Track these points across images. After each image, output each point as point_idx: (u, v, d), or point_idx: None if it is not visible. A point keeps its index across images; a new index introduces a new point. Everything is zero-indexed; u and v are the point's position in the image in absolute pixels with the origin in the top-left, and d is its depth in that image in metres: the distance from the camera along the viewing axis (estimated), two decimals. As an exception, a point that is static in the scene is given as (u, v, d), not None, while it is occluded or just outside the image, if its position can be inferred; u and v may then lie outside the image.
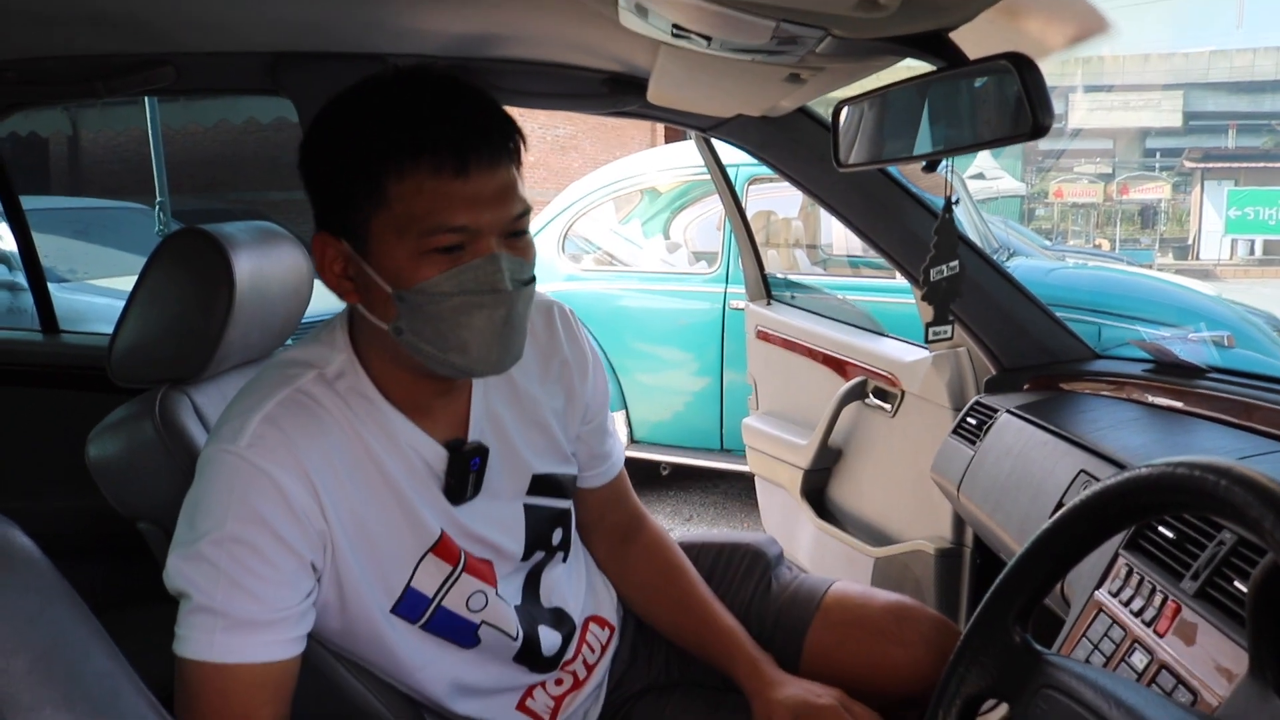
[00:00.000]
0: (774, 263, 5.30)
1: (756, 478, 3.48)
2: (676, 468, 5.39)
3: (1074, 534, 0.91)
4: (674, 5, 1.08)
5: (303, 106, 1.98)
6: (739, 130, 2.09)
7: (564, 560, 1.54)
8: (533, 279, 1.24)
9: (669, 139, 13.41)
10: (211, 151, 14.67)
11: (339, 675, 1.37)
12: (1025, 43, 1.25)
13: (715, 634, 1.58)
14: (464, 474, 1.33)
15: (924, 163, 1.27)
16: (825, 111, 2.09)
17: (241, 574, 1.16)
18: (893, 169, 2.08)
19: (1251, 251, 26.23)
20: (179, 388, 1.55)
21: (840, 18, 1.01)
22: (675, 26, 1.16)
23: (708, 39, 1.17)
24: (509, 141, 1.19)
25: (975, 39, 1.16)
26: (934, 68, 1.18)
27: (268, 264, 1.58)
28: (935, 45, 1.14)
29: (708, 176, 5.52)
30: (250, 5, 1.71)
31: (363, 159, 1.17)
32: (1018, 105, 1.04)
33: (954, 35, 1.16)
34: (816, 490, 3.07)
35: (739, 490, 5.43)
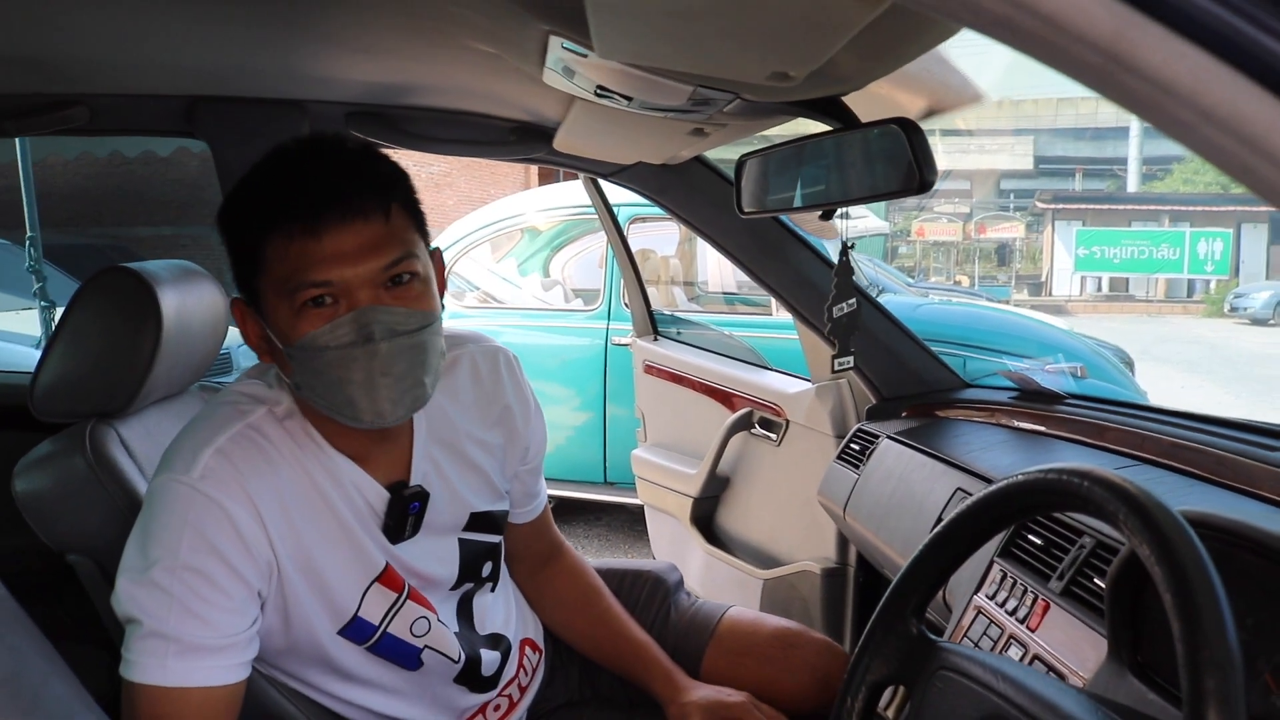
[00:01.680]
0: (653, 299, 5.46)
1: (646, 506, 3.58)
2: (561, 500, 5.46)
3: (962, 534, 1.05)
4: (601, 69, 1.19)
5: (219, 151, 2.02)
6: (638, 176, 2.22)
7: (492, 590, 1.61)
8: (422, 328, 1.26)
9: (543, 178, 13.55)
10: (74, 185, 14.18)
11: (273, 699, 1.42)
12: (909, 108, 1.41)
13: (630, 648, 1.69)
14: (403, 515, 1.39)
15: (819, 211, 1.41)
16: (716, 157, 2.24)
17: (193, 601, 1.21)
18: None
19: (1099, 288, 27.68)
20: (106, 421, 1.59)
21: (752, 85, 1.14)
22: (600, 87, 1.28)
23: (629, 99, 1.29)
24: (374, 198, 1.23)
25: (861, 100, 1.31)
26: (829, 127, 1.32)
27: (190, 301, 1.64)
28: (831, 108, 1.28)
29: (585, 216, 5.72)
30: (167, 49, 1.76)
31: (243, 230, 1.26)
32: (906, 163, 1.18)
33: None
34: (705, 517, 3.19)
35: (621, 522, 5.52)
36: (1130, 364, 6.27)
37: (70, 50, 1.75)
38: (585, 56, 1.16)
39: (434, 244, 1.36)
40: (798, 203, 1.45)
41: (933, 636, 1.09)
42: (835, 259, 2.32)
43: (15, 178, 6.09)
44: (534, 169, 14.16)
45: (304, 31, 1.62)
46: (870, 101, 1.30)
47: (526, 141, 2.10)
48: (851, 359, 1.67)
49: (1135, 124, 30.42)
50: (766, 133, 1.73)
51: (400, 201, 1.27)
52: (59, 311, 6.03)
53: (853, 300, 1.62)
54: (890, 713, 1.13)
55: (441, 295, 1.35)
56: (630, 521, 5.48)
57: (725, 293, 6.02)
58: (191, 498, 1.23)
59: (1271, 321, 20.36)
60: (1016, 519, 1.06)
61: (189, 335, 1.63)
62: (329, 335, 1.22)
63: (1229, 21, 0.47)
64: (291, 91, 2.00)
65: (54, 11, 1.49)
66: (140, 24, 1.59)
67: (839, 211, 1.43)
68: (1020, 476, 0.97)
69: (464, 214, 6.24)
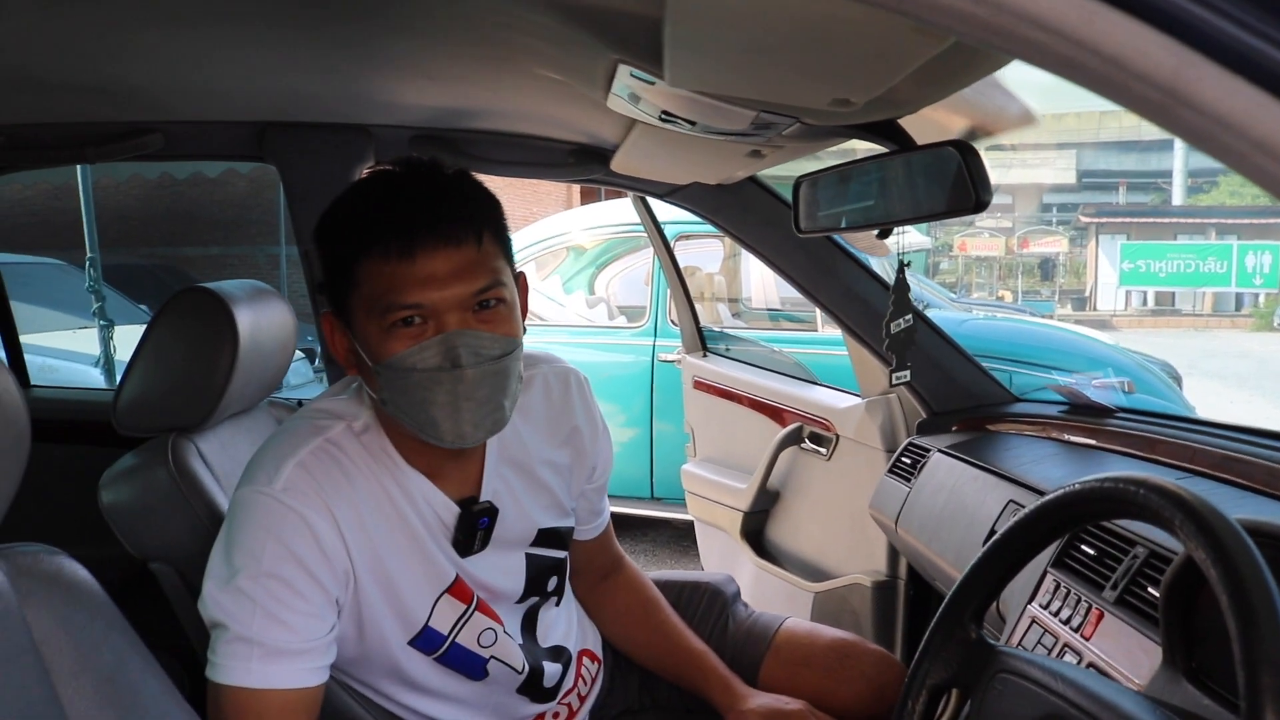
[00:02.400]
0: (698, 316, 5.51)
1: (695, 521, 3.62)
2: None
3: (1020, 541, 1.09)
4: (667, 95, 1.25)
5: (287, 173, 2.10)
6: (693, 195, 2.27)
7: (557, 604, 1.65)
8: (506, 354, 1.30)
9: (585, 197, 13.65)
10: (124, 206, 14.43)
11: (345, 703, 1.48)
12: (955, 128, 1.45)
13: (689, 657, 1.73)
14: (472, 531, 1.44)
15: (876, 231, 1.46)
16: (768, 176, 2.29)
17: (276, 607, 1.26)
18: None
19: (1144, 302, 27.37)
20: (185, 435, 1.66)
21: (813, 110, 1.19)
22: (664, 112, 1.33)
23: (692, 123, 1.34)
24: (467, 224, 1.27)
25: (912, 121, 1.36)
26: (886, 149, 1.37)
27: (263, 320, 1.71)
28: (888, 131, 1.33)
29: (629, 234, 5.79)
30: (239, 76, 1.83)
31: (338, 247, 1.31)
32: (961, 184, 1.23)
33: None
34: (755, 531, 3.22)
35: (667, 537, 5.55)
36: (1178, 379, 6.23)
37: (146, 79, 1.83)
38: (652, 84, 1.21)
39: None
40: (855, 222, 1.49)
41: (991, 641, 1.12)
42: (884, 275, 2.38)
43: (71, 199, 6.23)
44: (576, 188, 14.29)
45: (372, 59, 1.68)
46: (920, 122, 1.35)
47: (584, 163, 2.16)
48: (909, 373, 1.71)
49: (1180, 137, 30.10)
50: (819, 154, 1.78)
51: (492, 229, 1.31)
52: (117, 330, 6.21)
53: (909, 316, 1.67)
54: (947, 717, 1.17)
55: (524, 319, 1.39)
56: (676, 537, 5.51)
57: (769, 309, 6.06)
58: (274, 508, 1.29)
59: (1322, 335, 20.06)
60: (1073, 526, 1.10)
61: (262, 352, 1.70)
62: (416, 357, 1.26)
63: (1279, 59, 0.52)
64: (358, 116, 2.07)
65: (131, 42, 1.57)
66: (214, 53, 1.66)
67: (895, 230, 1.48)
68: (1077, 485, 1.01)
69: (508, 233, 6.31)
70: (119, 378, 6.48)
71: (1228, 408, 11.11)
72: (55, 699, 0.96)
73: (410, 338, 1.27)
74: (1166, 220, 28.87)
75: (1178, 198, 31.20)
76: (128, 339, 6.47)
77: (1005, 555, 1.11)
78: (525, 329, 1.39)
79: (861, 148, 1.50)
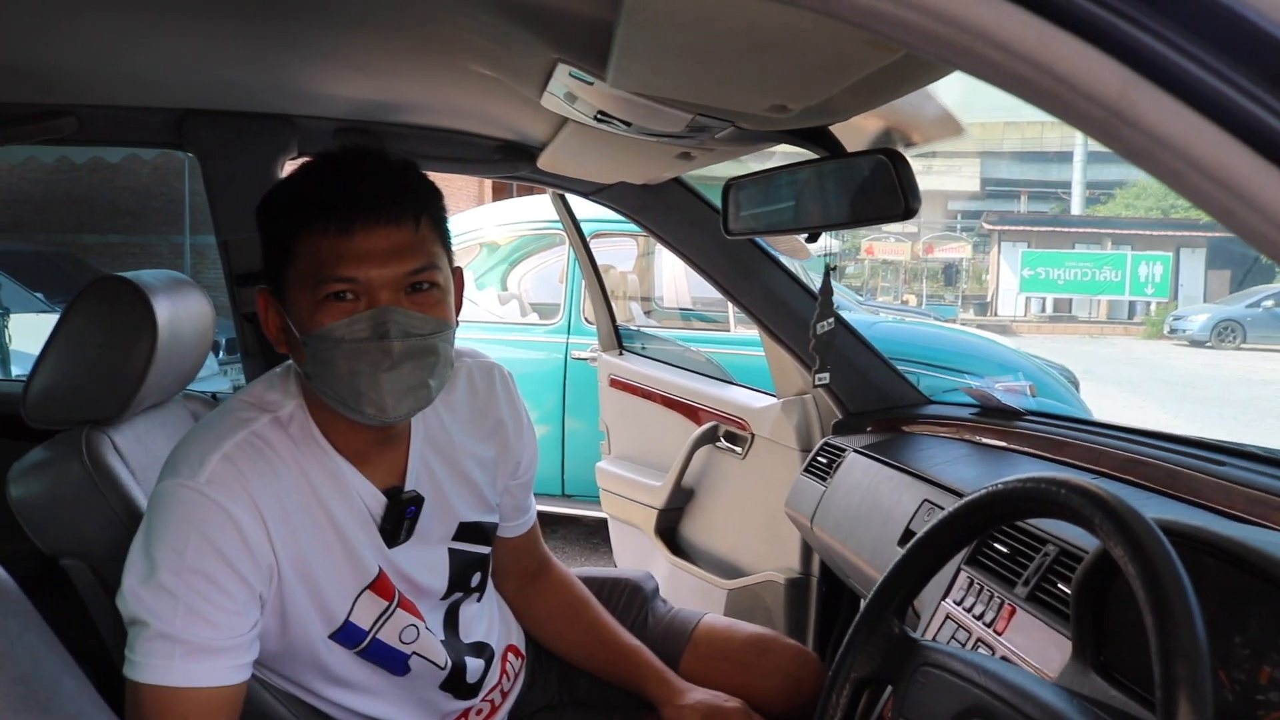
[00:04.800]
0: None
1: (609, 518, 3.64)
2: (519, 512, 5.47)
3: (946, 538, 1.12)
4: (604, 96, 1.26)
5: (208, 163, 2.06)
6: (618, 195, 2.28)
7: (479, 599, 1.65)
8: (435, 333, 1.31)
9: (496, 194, 13.59)
10: (19, 190, 13.96)
11: (266, 701, 1.46)
12: (877, 133, 1.49)
13: (621, 654, 1.75)
14: (399, 519, 1.44)
15: (805, 235, 1.49)
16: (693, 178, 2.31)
17: (199, 603, 1.25)
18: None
19: (1043, 309, 28.20)
20: (99, 428, 1.62)
21: (750, 115, 1.21)
22: (600, 112, 1.34)
23: (627, 124, 1.36)
24: (407, 207, 1.30)
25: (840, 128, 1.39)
26: (816, 154, 1.40)
27: (182, 310, 1.67)
28: (819, 137, 1.36)
29: (543, 231, 5.79)
30: (158, 62, 1.79)
31: (279, 224, 1.33)
32: (890, 191, 1.26)
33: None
34: (669, 528, 3.25)
35: (577, 534, 5.57)
36: (1075, 383, 6.44)
37: (61, 61, 1.77)
38: (591, 84, 1.22)
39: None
40: (784, 225, 1.52)
41: (914, 635, 1.16)
42: (802, 277, 2.42)
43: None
44: (489, 184, 14.22)
45: (299, 48, 1.66)
46: (845, 129, 1.38)
47: (511, 160, 2.16)
48: (828, 375, 1.75)
49: (1079, 149, 31.09)
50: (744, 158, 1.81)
51: (431, 216, 1.33)
52: (12, 319, 6.00)
53: (832, 319, 1.71)
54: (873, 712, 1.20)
55: (458, 312, 1.40)
56: (586, 534, 5.53)
57: (681, 308, 6.11)
58: (197, 502, 1.27)
59: (1208, 344, 20.86)
60: (996, 524, 1.14)
61: (180, 344, 1.67)
62: (346, 328, 1.27)
63: (1216, 88, 0.55)
64: (282, 106, 2.04)
65: (46, 22, 1.52)
66: (132, 37, 1.62)
67: (823, 235, 1.51)
68: (1000, 485, 1.05)
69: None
70: (13, 368, 6.25)
71: (1121, 412, 11.49)
72: None
73: (342, 311, 1.28)
74: (1065, 229, 29.76)
75: (1076, 207, 32.21)
76: (22, 328, 6.29)
77: (929, 552, 1.14)
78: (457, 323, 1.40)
79: (789, 153, 1.53)
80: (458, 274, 1.41)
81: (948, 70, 0.92)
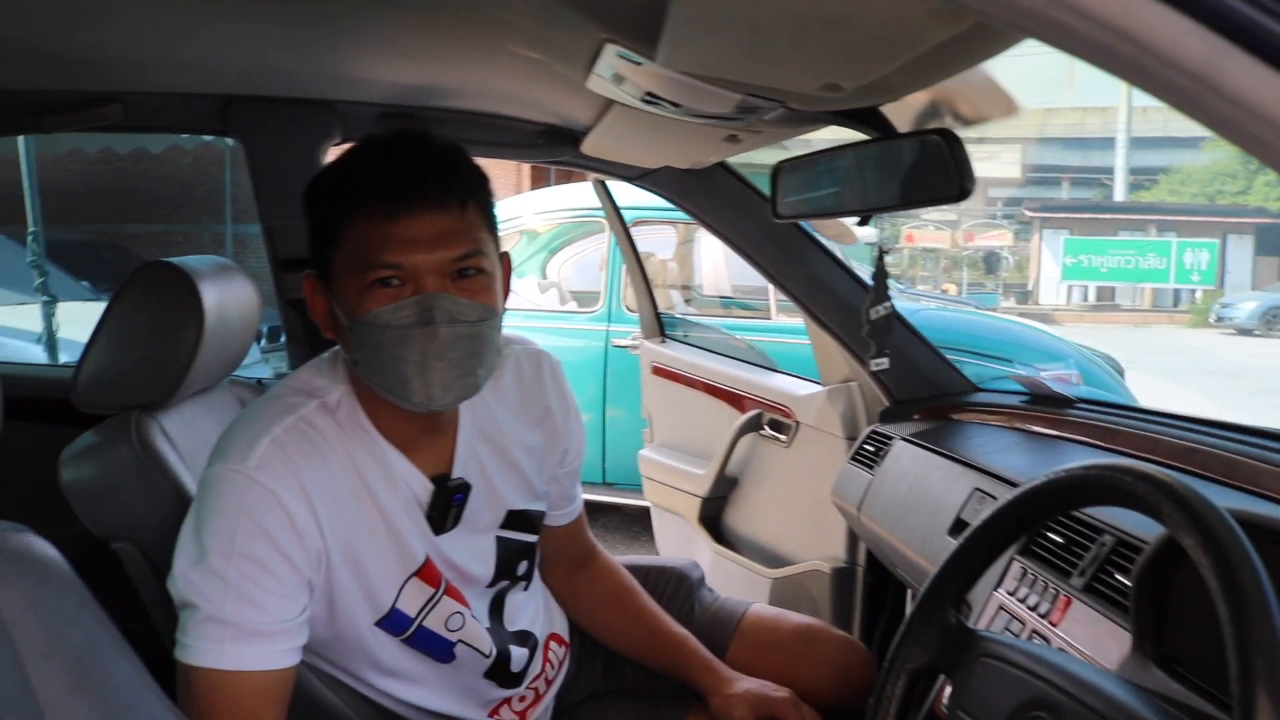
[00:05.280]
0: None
1: (652, 506, 3.62)
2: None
3: (1004, 526, 1.10)
4: (652, 76, 1.24)
5: (252, 149, 2.07)
6: (662, 180, 2.26)
7: (525, 588, 1.64)
8: (482, 320, 1.30)
9: (534, 182, 13.60)
10: (64, 181, 14.08)
11: (316, 688, 1.46)
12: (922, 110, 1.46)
13: (669, 643, 1.74)
14: (446, 507, 1.44)
15: (855, 216, 1.47)
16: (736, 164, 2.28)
17: (249, 587, 1.25)
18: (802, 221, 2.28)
19: (1085, 297, 27.87)
20: (148, 413, 1.63)
21: (801, 95, 1.19)
22: (648, 93, 1.32)
23: (676, 105, 1.33)
24: (452, 192, 1.29)
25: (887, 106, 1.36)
26: (866, 136, 1.37)
27: (228, 296, 1.68)
28: (870, 118, 1.33)
29: (583, 219, 5.78)
30: (203, 48, 1.79)
31: (325, 210, 1.32)
32: (944, 172, 1.23)
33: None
34: (713, 517, 3.23)
35: (618, 523, 5.57)
36: (1121, 372, 6.35)
37: (107, 48, 1.78)
38: (639, 65, 1.20)
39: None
40: (834, 208, 1.50)
41: (971, 626, 1.14)
42: (846, 262, 2.39)
43: (7, 172, 6.08)
44: (526, 172, 14.23)
45: (342, 33, 1.66)
46: (890, 105, 1.36)
47: (553, 144, 2.14)
48: (887, 360, 1.72)
49: (1122, 134, 30.65)
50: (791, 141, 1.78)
51: (477, 201, 1.32)
52: (60, 307, 6.07)
53: (889, 303, 1.68)
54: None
55: (505, 299, 1.39)
56: (626, 522, 5.53)
57: (722, 296, 6.08)
58: (247, 487, 1.27)
59: (1256, 332, 20.53)
60: (1058, 511, 1.12)
61: (227, 329, 1.67)
62: (392, 314, 1.27)
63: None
64: (325, 92, 2.04)
65: (93, 10, 1.53)
66: (178, 23, 1.62)
67: (874, 219, 1.49)
68: (1064, 471, 1.02)
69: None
70: (61, 355, 6.33)
71: (1166, 402, 11.30)
72: (25, 681, 0.94)
73: (388, 297, 1.27)
74: (1108, 216, 29.37)
75: (1119, 194, 31.75)
76: (70, 316, 6.36)
77: (988, 539, 1.12)
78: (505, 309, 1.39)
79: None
80: (505, 260, 1.40)
81: (1010, 43, 0.89)
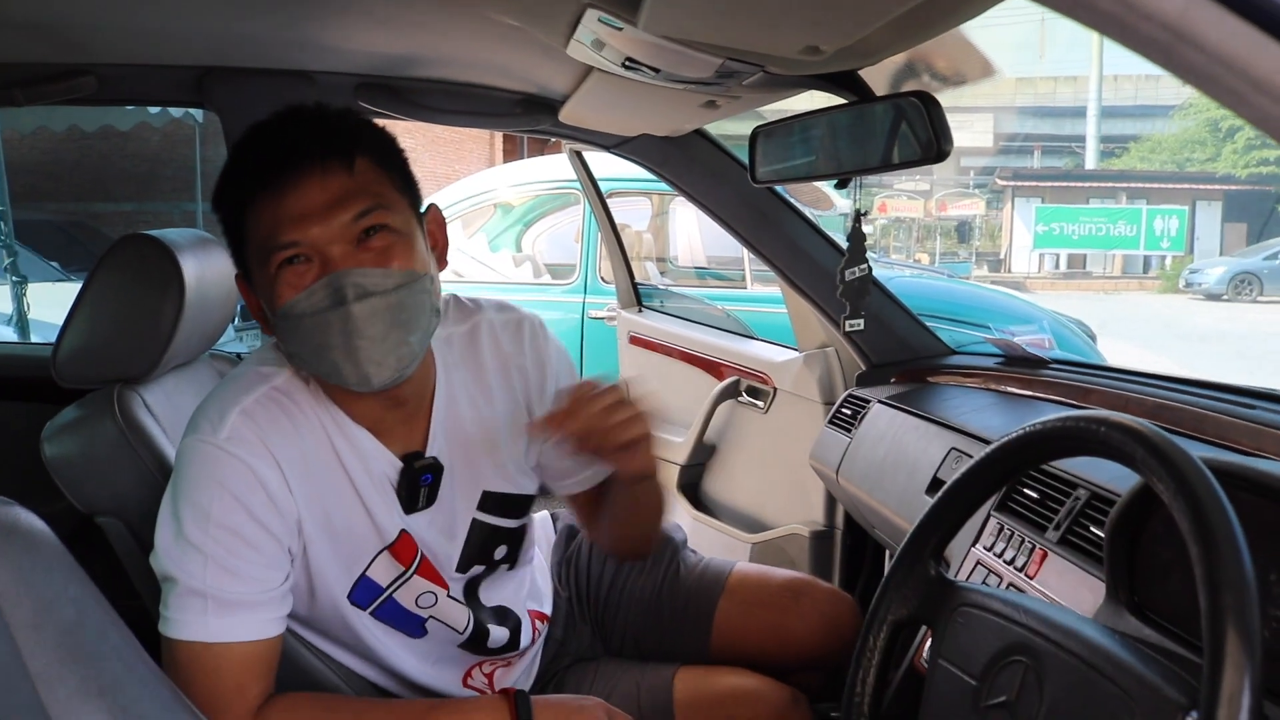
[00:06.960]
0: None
1: (631, 475, 3.63)
2: (537, 470, 5.50)
3: (982, 480, 1.13)
4: (633, 41, 1.25)
5: (229, 121, 2.05)
6: (640, 148, 2.26)
7: (509, 570, 1.61)
8: (400, 287, 1.25)
9: (507, 154, 13.54)
10: (29, 160, 13.88)
11: (306, 659, 1.47)
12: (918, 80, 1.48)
13: None
14: (415, 487, 1.41)
15: (833, 180, 1.48)
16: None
17: (227, 558, 1.25)
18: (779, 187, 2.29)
19: (1057, 265, 28.04)
20: (130, 387, 1.63)
21: (781, 58, 1.20)
22: (628, 59, 1.33)
23: (655, 70, 1.35)
24: (334, 153, 1.24)
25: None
26: (844, 100, 1.39)
27: (207, 269, 1.67)
28: (848, 82, 1.35)
29: (557, 191, 5.77)
30: (178, 18, 1.77)
31: (227, 210, 1.31)
32: (923, 134, 1.26)
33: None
34: (691, 484, 3.25)
35: (595, 491, 5.59)
36: (1093, 338, 6.42)
37: (80, 18, 1.76)
38: (620, 30, 1.21)
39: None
40: (812, 172, 1.51)
41: (950, 577, 1.17)
42: (821, 228, 2.41)
43: (-24, 152, 6.02)
44: (499, 145, 14.16)
45: (317, 1, 1.65)
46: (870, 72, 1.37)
47: (531, 113, 2.14)
48: (862, 321, 1.74)
49: (1093, 103, 30.77)
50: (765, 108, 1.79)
51: (369, 155, 1.28)
52: (30, 288, 6.01)
53: (865, 265, 1.70)
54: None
55: (443, 254, 1.37)
56: (605, 491, 5.55)
57: (697, 267, 6.10)
58: (219, 458, 1.27)
59: (1225, 297, 20.73)
60: (1036, 464, 1.14)
61: (207, 302, 1.67)
62: (305, 301, 1.24)
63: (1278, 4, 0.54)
64: (302, 62, 2.02)
65: None
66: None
67: (852, 182, 1.51)
68: (1040, 424, 1.05)
69: (430, 191, 6.26)
70: (33, 335, 6.26)
71: (1136, 367, 11.39)
72: (16, 653, 0.94)
73: (298, 283, 1.24)
74: (1079, 184, 29.52)
75: (1090, 162, 31.90)
76: (40, 297, 6.30)
77: (966, 493, 1.15)
78: (443, 265, 1.37)
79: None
80: (431, 213, 1.37)
81: (989, 4, 0.91)
